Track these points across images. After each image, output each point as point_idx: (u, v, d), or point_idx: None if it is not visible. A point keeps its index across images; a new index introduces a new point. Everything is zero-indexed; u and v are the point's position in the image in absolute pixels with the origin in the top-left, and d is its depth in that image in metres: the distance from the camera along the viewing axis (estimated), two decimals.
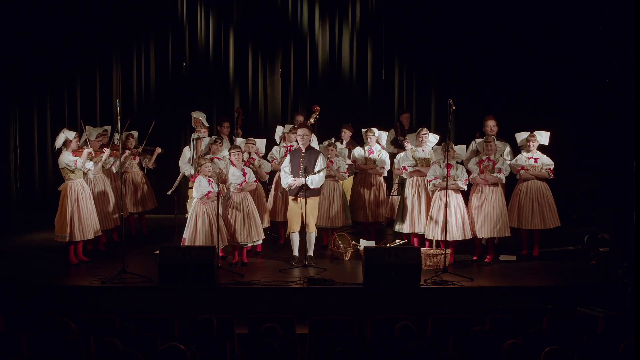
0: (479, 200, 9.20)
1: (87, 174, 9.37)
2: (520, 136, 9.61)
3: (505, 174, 9.24)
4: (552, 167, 9.46)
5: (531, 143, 9.48)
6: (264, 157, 10.18)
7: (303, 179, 8.95)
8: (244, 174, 9.17)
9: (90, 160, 9.26)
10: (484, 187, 9.18)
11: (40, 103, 12.41)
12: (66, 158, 9.01)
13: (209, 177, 9.01)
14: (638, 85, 7.87)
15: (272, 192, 10.24)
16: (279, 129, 10.53)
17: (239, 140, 10.08)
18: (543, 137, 9.57)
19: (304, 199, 8.97)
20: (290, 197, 9.22)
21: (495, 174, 9.15)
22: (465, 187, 9.21)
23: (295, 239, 9.27)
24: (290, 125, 10.46)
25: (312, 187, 9.04)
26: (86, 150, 9.10)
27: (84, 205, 9.09)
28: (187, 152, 10.09)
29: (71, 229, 9.00)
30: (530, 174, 9.45)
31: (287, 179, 9.14)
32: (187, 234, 9.00)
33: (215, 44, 12.48)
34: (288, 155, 9.33)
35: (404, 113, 11.56)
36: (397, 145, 10.85)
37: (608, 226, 9.74)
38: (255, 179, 9.34)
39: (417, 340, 5.40)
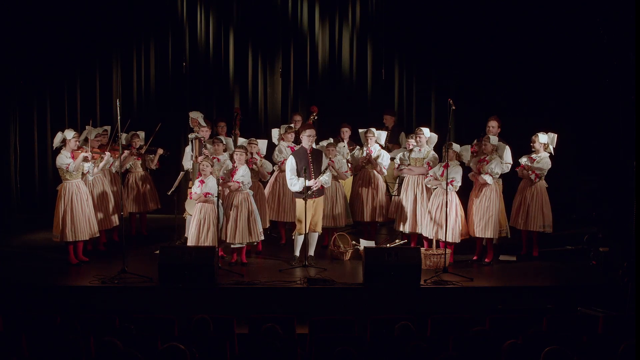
0: (474, 199, 9.23)
1: (85, 175, 9.34)
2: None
3: (495, 176, 9.16)
4: (538, 172, 9.37)
5: (532, 143, 9.48)
6: (266, 157, 10.16)
7: (320, 178, 9.01)
8: (232, 174, 9.15)
9: (87, 162, 9.21)
10: (478, 187, 9.21)
11: (40, 103, 12.39)
12: (61, 159, 8.99)
13: (203, 178, 9.00)
14: (638, 86, 7.87)
15: (269, 189, 10.26)
16: (275, 132, 10.52)
17: (241, 140, 10.08)
18: (551, 139, 9.52)
19: (314, 200, 9.02)
20: (300, 199, 9.10)
21: (482, 175, 9.14)
22: (449, 189, 8.98)
23: (300, 240, 9.26)
24: (286, 125, 10.46)
25: (327, 186, 9.20)
26: (82, 155, 9.06)
27: (77, 206, 9.05)
28: (189, 150, 10.13)
29: (63, 229, 8.99)
30: (522, 173, 9.47)
31: (300, 182, 9.01)
32: (189, 234, 9.04)
33: (215, 44, 12.47)
34: (291, 156, 9.27)
35: (387, 114, 11.33)
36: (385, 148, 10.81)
37: (608, 226, 9.76)
38: (240, 182, 9.12)
39: (417, 340, 5.40)
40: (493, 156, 9.25)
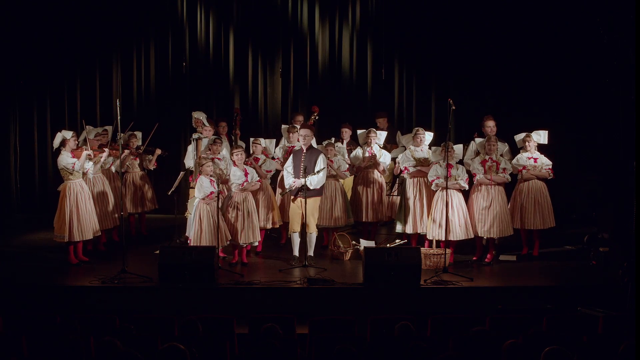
0: (486, 201, 9.19)
1: (86, 174, 9.36)
2: (518, 137, 9.65)
3: (509, 173, 9.28)
4: (551, 167, 9.47)
5: (528, 143, 9.49)
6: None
7: (303, 179, 8.95)
8: (246, 174, 9.17)
9: (90, 160, 9.25)
10: (490, 188, 9.19)
11: (40, 103, 12.40)
12: (65, 159, 9.00)
13: (211, 176, 9.02)
14: (638, 85, 7.87)
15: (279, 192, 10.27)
16: (284, 128, 10.53)
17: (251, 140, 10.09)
18: (541, 136, 9.57)
19: (304, 199, 8.97)
20: (291, 198, 9.23)
21: (501, 174, 9.18)
22: (466, 187, 9.25)
23: (296, 239, 9.28)
24: (288, 126, 10.46)
25: (311, 187, 9.03)
26: (85, 152, 9.09)
27: (82, 206, 9.09)
28: (190, 150, 10.14)
29: (70, 229, 9.00)
30: (531, 174, 9.46)
31: (288, 180, 9.16)
32: (191, 234, 9.03)
33: (215, 44, 12.47)
34: (291, 155, 9.33)
35: (378, 117, 11.20)
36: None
37: (608, 226, 9.76)
38: (258, 178, 9.32)
39: (417, 340, 5.40)
40: (497, 156, 9.30)
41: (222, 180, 9.31)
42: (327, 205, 9.75)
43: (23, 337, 5.69)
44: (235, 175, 9.15)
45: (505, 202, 9.24)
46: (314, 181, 9.05)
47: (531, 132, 9.56)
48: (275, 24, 12.43)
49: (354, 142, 10.52)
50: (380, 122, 11.10)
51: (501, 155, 9.50)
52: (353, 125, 10.63)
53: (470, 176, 9.40)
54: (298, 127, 10.29)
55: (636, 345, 5.03)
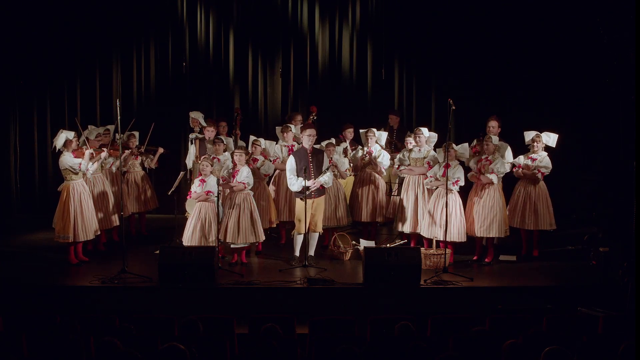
0: (482, 201, 9.18)
1: (85, 174, 9.37)
2: (528, 135, 9.57)
3: (500, 175, 9.17)
4: (544, 170, 9.37)
5: (535, 143, 9.44)
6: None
7: (320, 179, 8.98)
8: (234, 174, 9.14)
9: (92, 159, 9.27)
10: (486, 188, 9.17)
11: (40, 103, 12.39)
12: (69, 160, 9.01)
13: (203, 177, 9.00)
14: (638, 85, 7.87)
15: (273, 190, 10.25)
16: (278, 129, 10.53)
17: (251, 141, 10.08)
18: (551, 138, 9.51)
19: (314, 199, 9.00)
20: (299, 198, 9.11)
21: (487, 174, 9.14)
22: (454, 188, 9.09)
23: (300, 240, 9.26)
24: (281, 126, 10.45)
25: (327, 186, 9.16)
26: (88, 152, 9.12)
27: (85, 206, 9.12)
28: (193, 150, 10.15)
29: (75, 229, 9.01)
30: (522, 173, 9.44)
31: (299, 182, 9.00)
32: (185, 233, 9.03)
33: (215, 44, 12.47)
34: (291, 156, 9.28)
35: (392, 114, 11.36)
36: (394, 147, 10.83)
37: (608, 226, 9.76)
38: (246, 183, 9.12)
39: (417, 340, 5.40)
40: (495, 156, 9.25)
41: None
42: (332, 205, 9.78)
43: (23, 337, 5.69)
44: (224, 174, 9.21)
45: (496, 202, 9.15)
46: (331, 180, 9.17)
47: (542, 133, 9.50)
48: (275, 24, 12.43)
49: (356, 142, 10.53)
50: (392, 118, 11.22)
51: (501, 155, 9.45)
52: (354, 125, 10.63)
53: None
54: (291, 126, 10.31)
55: (636, 345, 5.03)
